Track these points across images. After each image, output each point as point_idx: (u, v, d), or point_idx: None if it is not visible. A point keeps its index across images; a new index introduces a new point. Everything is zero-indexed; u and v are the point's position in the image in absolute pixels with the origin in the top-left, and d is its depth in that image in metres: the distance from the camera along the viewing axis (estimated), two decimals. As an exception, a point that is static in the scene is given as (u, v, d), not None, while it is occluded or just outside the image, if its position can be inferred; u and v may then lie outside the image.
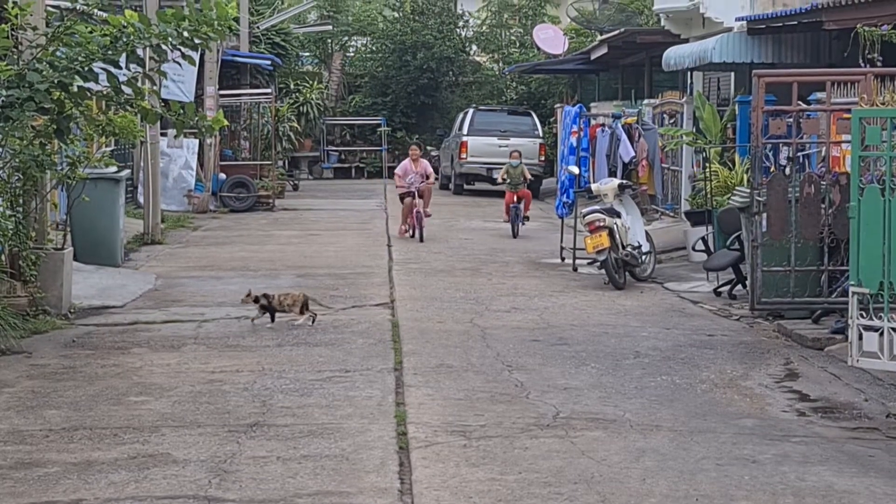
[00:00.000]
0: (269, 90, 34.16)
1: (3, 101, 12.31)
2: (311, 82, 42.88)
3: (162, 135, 25.23)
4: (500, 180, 25.88)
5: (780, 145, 17.96)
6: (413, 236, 23.67)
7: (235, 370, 11.87)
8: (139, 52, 13.05)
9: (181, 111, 13.51)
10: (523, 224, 24.80)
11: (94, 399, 10.64)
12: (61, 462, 8.77)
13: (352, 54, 49.55)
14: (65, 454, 8.97)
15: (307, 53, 48.22)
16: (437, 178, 26.03)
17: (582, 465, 8.79)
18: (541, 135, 36.40)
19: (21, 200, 14.54)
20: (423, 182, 24.18)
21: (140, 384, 11.24)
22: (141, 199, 24.56)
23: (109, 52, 12.62)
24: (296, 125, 38.53)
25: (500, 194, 27.78)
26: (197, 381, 11.40)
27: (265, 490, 8.16)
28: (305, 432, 9.60)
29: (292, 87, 41.76)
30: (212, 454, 8.98)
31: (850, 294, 12.20)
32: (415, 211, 23.59)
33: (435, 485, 8.31)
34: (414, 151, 24.91)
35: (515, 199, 24.89)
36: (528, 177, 25.79)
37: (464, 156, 35.46)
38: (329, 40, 48.33)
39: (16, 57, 13.67)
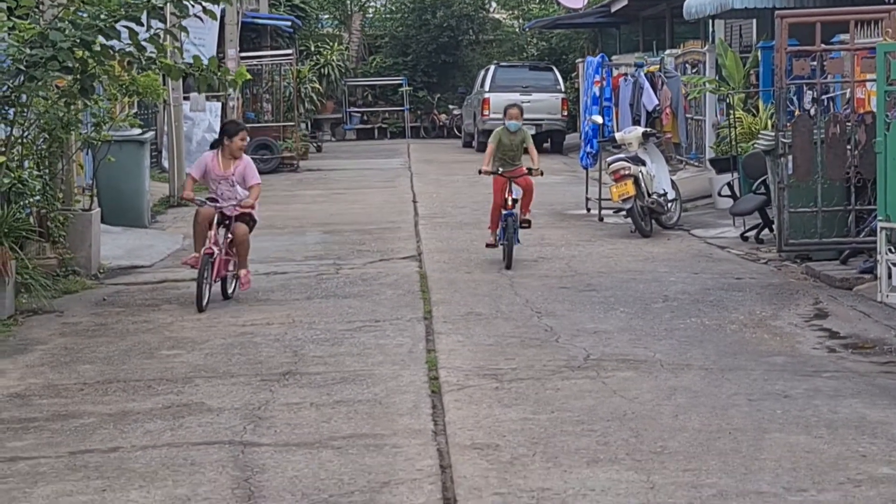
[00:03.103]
0: (289, 52, 34.09)
1: (26, 60, 12.34)
2: (331, 44, 42.82)
3: (185, 98, 25.24)
4: (484, 165, 15.53)
5: (805, 89, 17.92)
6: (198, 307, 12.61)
7: (266, 323, 11.93)
8: (160, 7, 13.06)
9: (203, 67, 13.51)
10: (522, 225, 15.40)
11: (127, 353, 10.71)
12: (97, 413, 8.84)
13: (371, 15, 49.49)
14: (100, 406, 9.05)
15: (327, 15, 48.14)
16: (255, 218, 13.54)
17: (614, 404, 8.81)
18: (563, 90, 36.31)
19: (47, 162, 14.61)
20: (234, 202, 13.12)
21: (171, 338, 11.31)
22: (165, 164, 24.62)
23: (131, 9, 12.63)
24: (317, 87, 38.47)
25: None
26: (228, 334, 11.46)
27: (300, 434, 8.22)
28: (338, 379, 9.66)
29: (313, 49, 41.70)
30: (245, 402, 9.04)
31: (879, 230, 12.21)
32: (218, 259, 12.79)
33: (468, 425, 8.35)
34: (236, 142, 13.15)
35: (509, 194, 15.15)
36: (534, 155, 15.61)
37: (486, 112, 35.38)
38: (348, 1, 48.24)
39: (38, 16, 13.71)
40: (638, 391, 9.16)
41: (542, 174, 15.25)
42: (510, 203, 15.07)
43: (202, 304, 12.38)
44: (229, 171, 13.10)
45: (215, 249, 12.65)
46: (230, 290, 13.15)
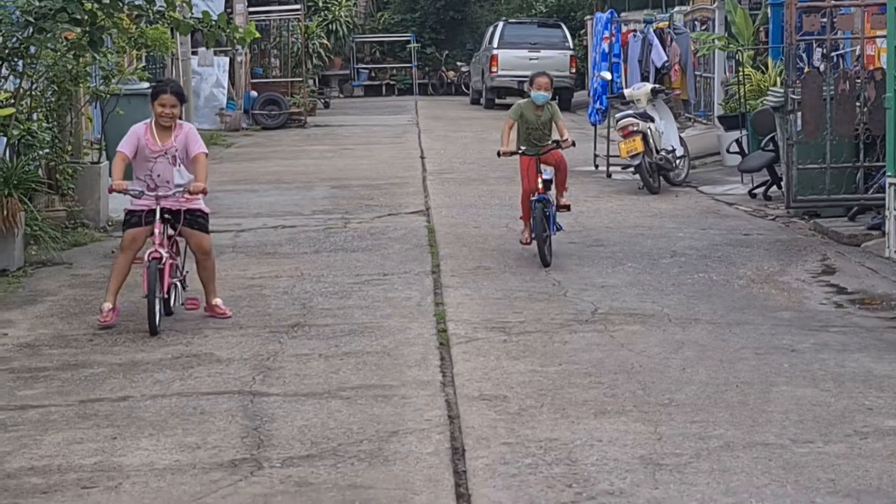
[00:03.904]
0: (297, 7, 34.00)
1: (35, 12, 12.32)
2: (339, 0, 42.71)
3: (193, 53, 25.21)
4: (504, 144, 12.67)
5: (814, 46, 17.86)
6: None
7: (274, 276, 11.96)
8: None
9: (212, 22, 13.48)
10: (560, 209, 12.97)
11: (136, 304, 10.69)
12: (106, 363, 8.89)
13: (380, -29, 49.35)
14: (109, 356, 9.09)
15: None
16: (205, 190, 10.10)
17: (622, 357, 8.85)
18: (571, 47, 36.18)
19: (56, 115, 14.62)
20: (178, 189, 10.04)
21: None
22: (173, 118, 24.54)
23: (140, -41, 12.62)
24: (325, 42, 38.42)
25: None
26: (237, 286, 11.49)
27: (308, 385, 8.26)
28: (346, 331, 9.70)
29: (321, 4, 41.56)
30: (255, 353, 9.09)
31: (887, 186, 12.21)
32: (167, 264, 9.84)
33: (477, 377, 8.39)
34: (164, 106, 10.07)
35: (539, 175, 12.55)
36: (564, 129, 12.71)
37: (494, 69, 35.29)
38: (356, -43, 48.09)
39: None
40: (645, 345, 9.19)
41: (573, 144, 12.79)
42: (541, 186, 12.45)
43: (155, 325, 9.62)
44: (168, 143, 10.05)
45: (163, 252, 9.76)
46: (172, 302, 10.22)
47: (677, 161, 18.36)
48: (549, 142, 12.69)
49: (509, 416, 7.53)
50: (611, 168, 19.67)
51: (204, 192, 10.02)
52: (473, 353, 9.00)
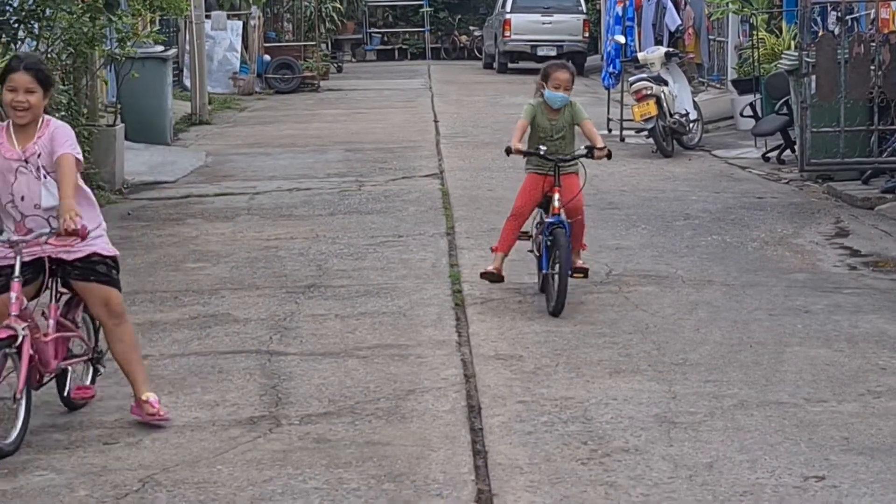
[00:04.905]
0: (311, -30, 34.00)
1: (51, -26, 12.34)
2: (352, -37, 42.65)
3: (206, 17, 25.20)
4: (515, 145, 9.49)
5: (829, 9, 17.82)
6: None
7: (290, 237, 12.02)
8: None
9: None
10: (576, 275, 9.45)
11: (153, 266, 10.82)
12: (125, 323, 8.94)
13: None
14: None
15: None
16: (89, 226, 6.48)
17: (636, 317, 8.92)
18: (584, 11, 36.06)
19: (72, 77, 14.66)
20: (47, 231, 6.59)
21: (197, 252, 11.41)
22: (187, 83, 24.62)
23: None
24: (338, 6, 38.35)
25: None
26: (252, 248, 11.56)
27: (325, 344, 8.34)
28: (362, 292, 9.77)
29: (334, -32, 41.52)
30: (271, 313, 9.16)
31: (901, 149, 12.21)
32: (26, 343, 6.39)
33: (492, 337, 8.47)
34: (14, 91, 6.62)
35: (557, 190, 9.43)
36: (594, 133, 9.62)
37: (507, 34, 35.18)
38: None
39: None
40: (660, 305, 9.26)
41: (609, 156, 9.50)
42: (556, 204, 9.41)
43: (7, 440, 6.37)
44: (28, 148, 6.69)
45: (19, 328, 6.42)
46: (65, 389, 7.05)
47: (691, 125, 18.37)
48: (576, 151, 9.62)
49: (525, 374, 7.61)
50: (624, 132, 19.66)
51: (84, 234, 6.49)
52: (489, 314, 9.08)
